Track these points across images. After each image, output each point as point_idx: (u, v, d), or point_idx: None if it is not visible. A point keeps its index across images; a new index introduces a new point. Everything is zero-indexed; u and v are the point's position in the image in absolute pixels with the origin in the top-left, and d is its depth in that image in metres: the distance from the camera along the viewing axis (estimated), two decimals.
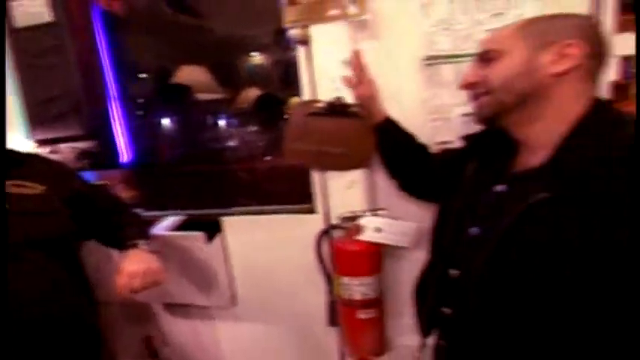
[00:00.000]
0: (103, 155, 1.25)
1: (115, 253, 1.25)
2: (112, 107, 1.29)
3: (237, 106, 2.32)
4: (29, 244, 0.92)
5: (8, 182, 0.95)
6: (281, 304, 1.36)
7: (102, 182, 1.29)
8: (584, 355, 0.66)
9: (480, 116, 0.79)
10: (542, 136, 0.71)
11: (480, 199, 0.78)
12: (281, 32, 1.09)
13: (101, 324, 1.11)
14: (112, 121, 1.28)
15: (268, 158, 1.57)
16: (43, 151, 1.30)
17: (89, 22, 1.22)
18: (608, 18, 0.97)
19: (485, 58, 0.76)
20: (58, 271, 0.98)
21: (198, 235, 1.21)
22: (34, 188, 0.98)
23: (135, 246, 1.06)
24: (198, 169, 1.48)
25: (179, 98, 1.57)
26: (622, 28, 1.00)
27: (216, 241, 1.31)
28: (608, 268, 0.61)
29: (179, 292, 1.35)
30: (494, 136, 0.80)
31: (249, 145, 1.64)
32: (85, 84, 1.20)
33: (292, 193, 1.29)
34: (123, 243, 1.08)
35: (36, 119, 1.27)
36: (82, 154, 1.25)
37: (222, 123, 2.17)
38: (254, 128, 2.18)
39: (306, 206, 1.24)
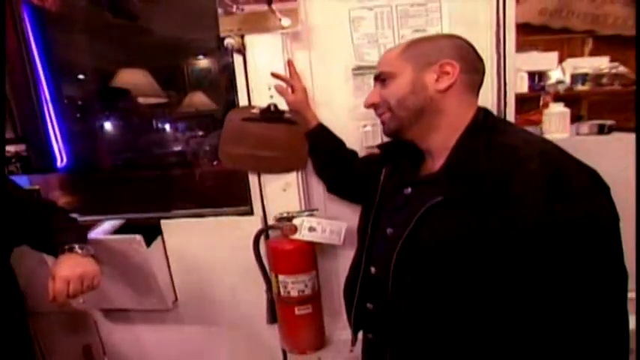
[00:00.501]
0: (36, 159, 1.22)
1: (49, 259, 1.23)
2: (45, 109, 1.26)
3: (181, 110, 2.31)
4: None
5: None
6: (222, 305, 1.39)
7: (34, 187, 1.26)
8: (489, 342, 0.74)
9: (386, 130, 0.88)
10: (439, 144, 0.81)
11: (393, 202, 0.86)
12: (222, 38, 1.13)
13: (36, 335, 1.07)
14: (45, 123, 1.25)
15: (215, 163, 1.59)
16: None
17: (18, 18, 1.19)
18: (512, 39, 1.10)
19: (381, 79, 0.85)
20: None
21: (135, 238, 1.22)
22: None
23: (70, 250, 1.04)
24: (138, 174, 1.48)
25: (118, 101, 1.56)
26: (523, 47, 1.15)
27: (156, 244, 1.32)
28: (492, 262, 0.69)
29: (118, 297, 1.33)
30: (404, 144, 0.88)
31: (193, 150, 1.65)
32: (13, 84, 1.17)
33: (231, 196, 1.33)
34: (57, 248, 1.05)
35: None
36: (13, 158, 1.21)
37: (165, 127, 2.16)
38: (199, 133, 2.18)
39: (243, 208, 1.28)
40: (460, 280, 0.73)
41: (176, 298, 1.41)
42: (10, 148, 1.22)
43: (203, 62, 2.58)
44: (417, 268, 0.77)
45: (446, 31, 1.12)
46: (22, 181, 1.22)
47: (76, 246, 1.06)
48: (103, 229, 1.30)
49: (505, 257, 0.68)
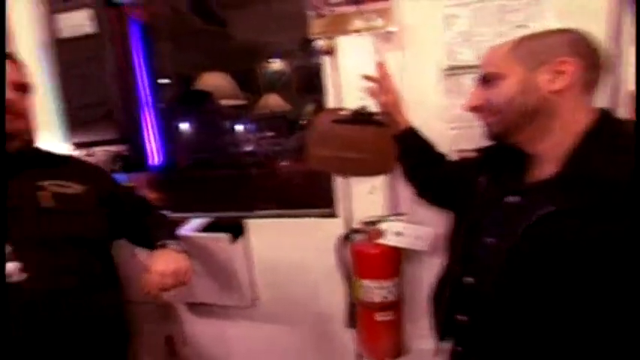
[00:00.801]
0: (134, 158, 1.31)
1: (139, 252, 1.30)
2: (144, 113, 1.35)
3: (256, 111, 2.39)
4: (68, 241, 0.95)
5: (50, 182, 0.99)
6: (301, 306, 1.40)
7: (130, 184, 1.35)
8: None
9: (490, 135, 0.82)
10: (551, 149, 0.74)
11: (493, 210, 0.81)
12: (307, 40, 1.14)
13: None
14: (143, 126, 1.34)
15: (286, 163, 1.61)
16: (79, 153, 1.36)
17: (126, 32, 1.28)
18: (627, 30, 0.99)
19: (486, 80, 0.79)
20: (94, 268, 1.02)
21: (223, 237, 1.26)
22: (74, 188, 1.02)
23: (164, 246, 1.09)
24: (221, 173, 1.53)
25: (201, 104, 1.63)
26: None
27: (240, 243, 1.36)
28: (610, 276, 0.63)
29: (202, 292, 1.39)
30: (506, 149, 0.82)
31: (273, 151, 1.69)
32: (120, 91, 1.26)
33: (314, 197, 1.33)
34: (152, 243, 1.11)
35: (74, 123, 1.34)
36: (115, 157, 1.31)
37: (241, 128, 2.23)
38: (270, 133, 2.23)
39: (327, 210, 1.28)
40: (570, 292, 0.67)
41: (257, 296, 1.44)
42: (113, 149, 1.32)
43: (277, 65, 2.65)
44: (523, 281, 0.72)
45: (551, 25, 1.03)
46: (121, 179, 1.31)
47: (171, 242, 1.11)
48: (191, 227, 1.36)
49: (624, 272, 0.62)
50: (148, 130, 1.37)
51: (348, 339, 1.35)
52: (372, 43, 1.11)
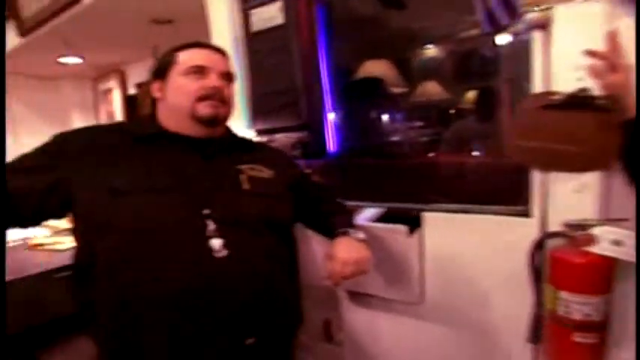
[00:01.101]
0: (313, 145, 1.35)
1: (312, 237, 1.34)
2: (325, 100, 1.38)
3: (412, 99, 2.28)
4: (262, 223, 0.99)
5: (247, 166, 1.05)
6: (472, 310, 1.28)
7: (307, 171, 1.40)
8: None
9: None
10: None
11: None
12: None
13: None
14: (324, 113, 1.37)
15: (477, 154, 1.48)
16: (262, 139, 1.46)
17: (313, 18, 1.32)
18: None
19: None
20: (283, 251, 1.06)
21: (400, 229, 1.22)
22: (266, 172, 1.08)
23: (346, 234, 1.09)
24: (392, 162, 1.49)
25: (371, 92, 1.61)
26: None
27: (414, 236, 1.30)
28: None
29: (369, 282, 1.37)
30: None
31: (459, 139, 1.57)
32: (304, 78, 1.31)
33: (501, 192, 1.20)
34: (332, 230, 1.12)
35: (258, 111, 1.44)
36: (295, 144, 1.37)
37: (388, 117, 2.16)
38: (422, 123, 2.11)
39: (518, 208, 1.13)
40: None
41: (424, 294, 1.37)
42: (294, 135, 1.38)
43: (431, 51, 2.50)
44: None
45: None
46: (302, 165, 1.36)
47: (352, 231, 1.11)
48: (366, 216, 1.35)
49: None
50: (327, 117, 1.40)
51: (523, 354, 1.19)
52: (600, 9, 0.91)
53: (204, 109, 0.99)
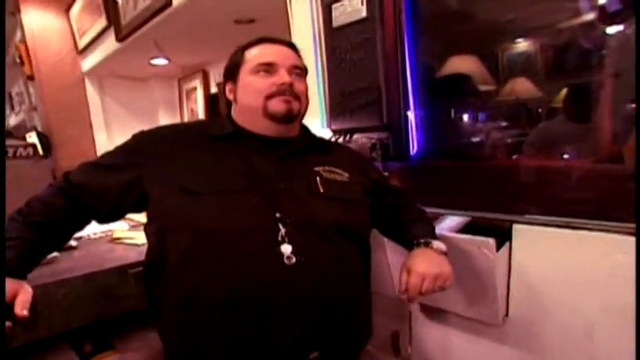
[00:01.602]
0: (395, 147, 1.27)
1: (387, 242, 1.26)
2: (408, 100, 1.29)
3: (501, 98, 2.09)
4: (334, 229, 0.94)
5: (322, 167, 1.00)
6: (565, 341, 1.11)
7: (385, 174, 1.31)
8: None
9: None
10: None
11: None
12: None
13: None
14: (406, 114, 1.28)
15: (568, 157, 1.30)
16: (338, 140, 1.40)
17: (399, 14, 1.24)
18: None
19: None
20: (355, 259, 1.00)
21: (488, 242, 1.09)
22: (342, 176, 1.02)
23: (426, 245, 1.01)
24: (480, 166, 1.34)
25: (457, 90, 1.48)
26: None
27: (502, 250, 1.16)
28: None
29: (444, 296, 1.25)
30: None
31: (543, 142, 1.40)
32: (386, 76, 1.23)
33: (607, 206, 1.02)
34: (412, 240, 1.04)
35: (336, 110, 1.39)
36: (374, 145, 1.30)
37: (485, 116, 1.98)
38: (505, 123, 1.91)
39: (630, 226, 0.95)
40: None
41: (505, 315, 1.22)
42: (374, 136, 1.31)
43: (523, 44, 2.27)
44: None
45: None
46: (381, 167, 1.28)
47: (432, 242, 1.01)
48: (448, 226, 1.23)
49: None
50: (410, 117, 1.30)
51: None
52: None
53: (277, 105, 0.96)
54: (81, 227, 0.99)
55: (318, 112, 1.55)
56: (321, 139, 1.14)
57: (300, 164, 0.99)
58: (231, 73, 1.02)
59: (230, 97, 1.04)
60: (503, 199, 1.26)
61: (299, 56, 1.04)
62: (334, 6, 1.32)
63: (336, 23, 1.34)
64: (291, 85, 0.96)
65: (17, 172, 3.48)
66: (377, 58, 1.23)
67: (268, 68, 0.97)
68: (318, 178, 0.97)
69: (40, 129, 3.98)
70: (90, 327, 1.09)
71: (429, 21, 1.51)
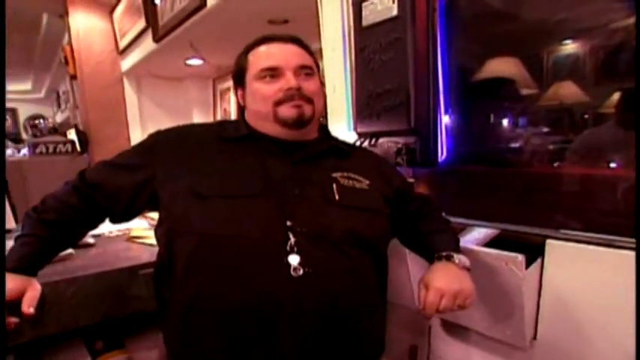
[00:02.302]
0: (422, 152, 1.19)
1: (407, 252, 1.18)
2: (439, 103, 1.21)
3: (543, 103, 1.97)
4: (349, 239, 0.88)
5: (341, 173, 0.94)
6: None
7: (410, 180, 1.24)
8: None
9: None
10: None
11: None
12: None
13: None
14: (436, 117, 1.20)
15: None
16: (364, 143, 1.34)
17: (432, 13, 1.17)
18: None
19: None
20: (369, 272, 0.94)
21: (517, 258, 1.00)
22: (362, 183, 0.96)
23: (447, 259, 0.94)
24: (513, 175, 1.24)
25: (495, 93, 1.38)
26: None
27: (533, 267, 1.06)
28: None
29: (467, 312, 1.17)
30: None
31: (590, 150, 1.28)
32: (416, 78, 1.16)
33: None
34: (433, 252, 0.97)
35: (362, 112, 1.33)
36: (400, 150, 1.23)
37: (525, 122, 1.88)
38: (545, 129, 1.80)
39: None
40: None
41: (535, 337, 1.12)
42: (401, 140, 1.24)
43: (569, 48, 2.13)
44: None
45: None
46: (406, 173, 1.21)
47: (455, 255, 0.94)
48: (475, 238, 1.15)
49: None
50: (440, 121, 1.22)
51: None
52: None
53: (287, 111, 0.91)
54: (94, 226, 0.99)
55: (344, 115, 1.50)
56: (342, 143, 1.08)
57: (317, 169, 0.94)
58: (239, 78, 0.99)
59: (241, 102, 1.01)
60: (538, 210, 1.16)
61: (307, 52, 0.98)
62: (364, 4, 1.27)
63: (365, 22, 1.28)
64: (299, 88, 0.91)
65: (57, 167, 3.67)
66: (407, 58, 1.16)
67: (273, 73, 0.92)
68: (334, 185, 0.92)
69: (80, 126, 4.16)
70: (104, 324, 1.09)
71: (466, 21, 1.42)
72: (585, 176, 1.19)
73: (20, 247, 0.86)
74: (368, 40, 1.26)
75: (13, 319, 0.81)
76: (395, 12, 1.17)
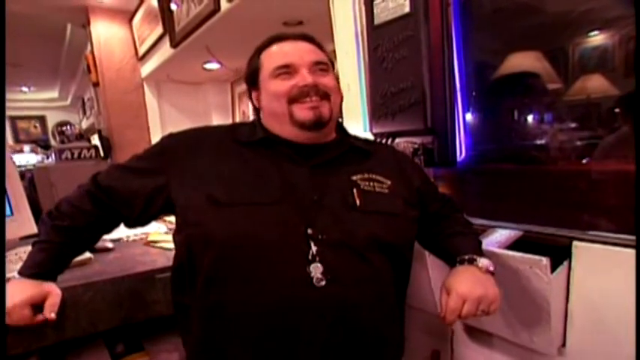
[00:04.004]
0: (440, 152, 1.15)
1: (429, 258, 1.15)
2: (456, 101, 1.17)
3: (568, 97, 1.89)
4: (372, 246, 0.86)
5: (361, 176, 0.91)
6: None
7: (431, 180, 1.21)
8: None
9: None
10: None
11: None
12: None
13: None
14: (454, 115, 1.17)
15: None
16: None
17: (446, 8, 1.13)
18: None
19: None
20: (391, 279, 0.92)
21: (541, 262, 0.95)
22: (382, 184, 0.93)
23: (470, 262, 0.90)
24: (539, 175, 1.19)
25: (517, 89, 1.33)
26: None
27: (559, 271, 1.01)
28: None
29: (494, 319, 1.12)
30: None
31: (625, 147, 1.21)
32: (431, 76, 1.12)
33: None
34: (455, 255, 0.94)
35: (377, 112, 1.30)
36: (417, 150, 1.19)
37: (549, 118, 1.81)
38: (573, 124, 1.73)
39: None
40: None
41: (563, 344, 1.07)
42: (417, 140, 1.21)
43: (596, 39, 2.04)
44: None
45: None
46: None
47: (478, 259, 0.90)
48: (497, 240, 1.11)
49: None
50: (458, 120, 1.18)
51: None
52: None
53: (302, 112, 0.88)
54: (109, 230, 0.99)
55: (360, 115, 1.48)
56: (362, 141, 1.04)
57: (336, 173, 0.91)
58: (252, 79, 0.96)
59: (256, 104, 0.98)
60: (564, 210, 1.11)
61: (320, 49, 0.95)
62: (376, 2, 1.24)
63: (377, 20, 1.25)
64: (315, 85, 0.88)
65: (82, 172, 3.77)
66: (421, 56, 1.12)
67: (287, 70, 0.89)
68: (355, 190, 0.89)
69: (103, 132, 4.27)
70: (124, 328, 1.10)
71: (482, 14, 1.38)
72: (617, 173, 1.13)
73: (37, 253, 0.87)
74: (381, 38, 1.23)
75: (40, 317, 0.84)
76: (407, 9, 1.14)
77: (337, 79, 0.99)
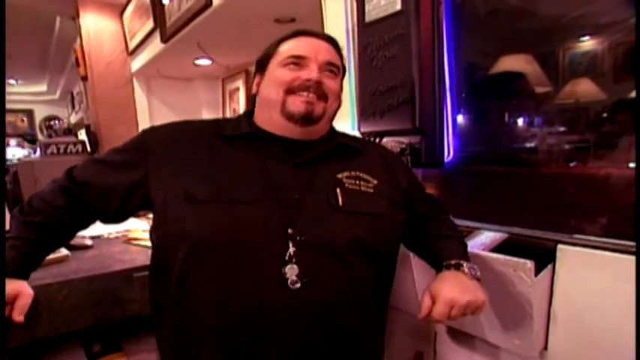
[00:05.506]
0: (427, 152, 1.14)
1: (411, 258, 1.14)
2: (445, 101, 1.16)
3: (558, 100, 1.90)
4: (353, 249, 0.84)
5: (345, 174, 0.90)
6: None
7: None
8: None
9: None
10: None
11: None
12: None
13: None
14: (442, 115, 1.15)
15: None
16: None
17: (437, 7, 1.12)
18: None
19: None
20: (372, 283, 0.90)
21: (525, 265, 0.94)
22: (368, 183, 0.91)
23: (457, 267, 0.89)
24: (526, 176, 1.19)
25: (505, 91, 1.33)
26: None
27: (544, 274, 1.01)
28: None
29: (477, 322, 1.12)
30: None
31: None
32: (421, 75, 1.11)
33: None
34: (441, 259, 0.93)
35: (365, 111, 1.29)
36: (404, 150, 1.18)
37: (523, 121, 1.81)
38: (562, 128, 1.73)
39: None
40: None
41: (545, 347, 1.07)
42: (405, 140, 1.19)
43: (586, 44, 2.05)
44: None
45: None
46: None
47: (464, 264, 0.89)
48: (482, 242, 1.10)
49: None
50: (447, 120, 1.17)
51: None
52: None
53: (295, 104, 0.87)
54: (84, 227, 0.95)
55: (348, 114, 1.46)
56: (351, 139, 1.02)
57: (321, 171, 0.89)
58: (262, 65, 0.95)
59: (255, 89, 0.96)
60: (550, 213, 1.10)
61: (338, 53, 0.95)
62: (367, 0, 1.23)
63: (368, 18, 1.24)
64: (318, 82, 0.87)
65: (67, 167, 3.71)
66: (411, 55, 1.12)
67: (299, 61, 0.88)
68: (338, 189, 0.87)
69: (91, 127, 4.20)
70: (101, 328, 1.07)
71: (474, 14, 1.37)
72: (603, 177, 1.13)
73: (8, 250, 0.84)
74: (371, 36, 1.21)
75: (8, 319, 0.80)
76: (399, 6, 1.13)
77: (342, 87, 0.98)
